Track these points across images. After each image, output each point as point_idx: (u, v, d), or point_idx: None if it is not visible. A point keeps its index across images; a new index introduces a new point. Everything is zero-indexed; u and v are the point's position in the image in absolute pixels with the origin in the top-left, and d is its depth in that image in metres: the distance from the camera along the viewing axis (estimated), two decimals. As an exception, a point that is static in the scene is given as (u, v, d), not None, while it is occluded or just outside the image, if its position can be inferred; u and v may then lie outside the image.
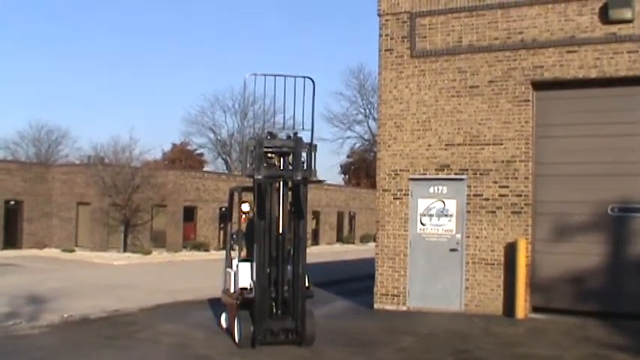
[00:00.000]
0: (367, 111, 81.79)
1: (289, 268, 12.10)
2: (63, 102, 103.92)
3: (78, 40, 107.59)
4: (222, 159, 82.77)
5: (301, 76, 12.17)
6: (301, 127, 12.14)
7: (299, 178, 11.94)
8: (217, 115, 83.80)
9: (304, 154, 12.06)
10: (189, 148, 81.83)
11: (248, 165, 12.14)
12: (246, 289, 12.15)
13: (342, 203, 61.15)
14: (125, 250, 40.28)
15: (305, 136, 12.16)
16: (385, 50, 16.99)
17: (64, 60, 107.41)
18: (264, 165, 11.93)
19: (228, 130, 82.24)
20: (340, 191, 62.08)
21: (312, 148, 12.13)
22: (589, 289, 15.07)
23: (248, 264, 12.42)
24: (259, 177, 11.78)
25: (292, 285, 12.01)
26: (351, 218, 63.41)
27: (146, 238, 42.83)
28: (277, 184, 12.13)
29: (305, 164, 12.07)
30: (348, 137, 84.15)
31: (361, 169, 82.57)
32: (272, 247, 11.99)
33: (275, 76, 11.92)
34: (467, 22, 16.19)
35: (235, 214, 14.33)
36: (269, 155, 12.05)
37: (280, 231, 12.09)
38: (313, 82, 12.19)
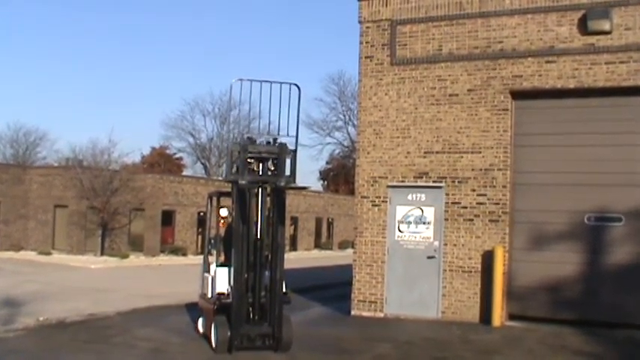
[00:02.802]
0: (347, 117, 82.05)
1: (267, 273, 12.08)
2: (41, 104, 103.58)
3: (57, 42, 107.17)
4: (202, 163, 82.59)
5: (287, 82, 12.21)
6: (286, 133, 12.16)
7: (282, 184, 11.94)
8: (197, 119, 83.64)
9: (287, 160, 12.05)
10: (168, 152, 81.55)
11: (231, 170, 12.12)
12: (223, 294, 12.14)
13: (320, 209, 61.12)
14: (102, 254, 40.08)
15: (286, 142, 12.19)
16: (365, 57, 17.02)
17: (43, 61, 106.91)
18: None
19: (207, 135, 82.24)
20: (319, 197, 62.06)
21: (295, 154, 12.14)
22: (565, 298, 15.16)
23: (226, 269, 12.40)
24: (243, 182, 11.75)
25: (269, 290, 11.99)
26: (330, 224, 63.40)
27: (124, 241, 42.64)
28: (256, 190, 12.11)
29: (288, 170, 12.07)
30: (328, 143, 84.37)
31: (340, 176, 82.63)
32: (250, 252, 11.96)
33: (261, 82, 11.93)
34: (447, 30, 16.26)
35: (214, 219, 14.32)
36: (248, 160, 12.02)
37: (258, 236, 12.07)
38: (299, 88, 12.23)
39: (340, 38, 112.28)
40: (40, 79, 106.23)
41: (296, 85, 12.22)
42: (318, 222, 61.27)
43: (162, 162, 76.71)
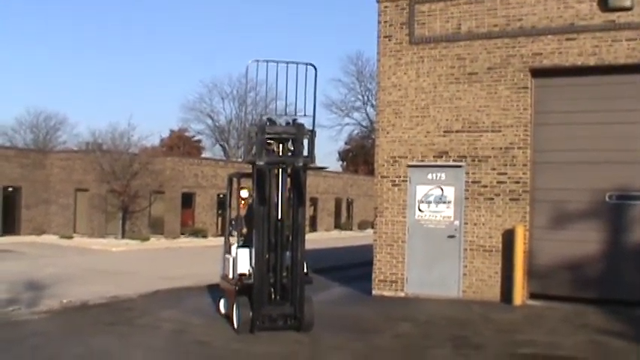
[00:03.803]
0: (365, 98, 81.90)
1: (288, 254, 12.13)
2: (61, 89, 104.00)
3: (76, 27, 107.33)
4: (220, 145, 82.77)
5: (303, 63, 12.19)
6: (303, 114, 12.15)
7: (301, 164, 11.96)
8: (215, 101, 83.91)
9: (305, 141, 12.07)
10: (187, 134, 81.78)
11: (250, 151, 12.15)
12: (245, 275, 12.18)
13: (339, 190, 61.12)
14: (123, 237, 40.28)
15: (305, 123, 12.20)
16: (384, 37, 16.97)
17: (62, 47, 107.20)
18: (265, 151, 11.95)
19: (226, 117, 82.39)
20: (338, 178, 62.03)
21: (313, 134, 12.15)
22: (586, 277, 15.11)
23: (247, 250, 12.45)
24: (261, 163, 11.77)
25: (291, 271, 12.04)
26: (349, 205, 63.40)
27: (144, 224, 42.82)
28: (276, 171, 12.13)
29: (306, 151, 12.09)
30: (346, 124, 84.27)
31: (359, 156, 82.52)
32: (271, 233, 12.00)
33: (277, 62, 11.91)
34: (466, 8, 16.17)
35: (234, 201, 14.36)
36: (268, 141, 12.05)
37: (279, 217, 12.11)
38: (315, 68, 12.21)
39: (358, 18, 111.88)
40: (59, 63, 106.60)
41: (312, 65, 12.20)
42: (338, 202, 61.29)
43: (181, 145, 76.86)
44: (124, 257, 29.61)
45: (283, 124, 12.20)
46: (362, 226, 60.60)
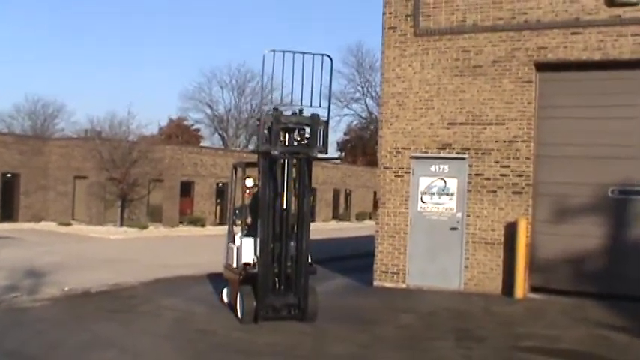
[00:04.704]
0: (365, 89, 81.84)
1: (292, 244, 12.13)
2: (59, 76, 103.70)
3: (74, 13, 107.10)
4: (219, 135, 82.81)
5: (319, 54, 12.22)
6: (309, 104, 12.17)
7: (316, 154, 12.00)
8: (214, 90, 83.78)
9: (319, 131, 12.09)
10: (185, 123, 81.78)
11: (263, 140, 12.10)
12: (249, 264, 12.21)
13: (338, 181, 61.18)
14: (122, 225, 40.33)
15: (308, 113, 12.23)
16: (389, 28, 16.95)
17: (59, 33, 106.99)
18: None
19: (225, 106, 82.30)
20: (337, 169, 62.03)
21: (327, 125, 12.19)
22: (588, 271, 15.15)
23: (251, 239, 12.47)
24: (276, 152, 11.78)
25: (295, 261, 12.06)
26: (347, 196, 63.47)
27: (143, 212, 42.88)
28: (281, 161, 12.14)
29: (319, 141, 12.11)
30: (346, 115, 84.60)
31: (358, 147, 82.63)
32: (276, 222, 12.02)
33: (294, 53, 11.89)
34: (471, 1, 16.15)
35: (238, 190, 14.38)
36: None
37: (284, 207, 12.13)
38: (331, 59, 12.26)
39: (359, 9, 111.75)
40: (57, 51, 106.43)
41: (328, 56, 12.24)
42: (336, 193, 61.35)
43: (179, 133, 76.91)
44: (122, 245, 29.62)
45: (290, 113, 12.20)
46: (360, 217, 60.73)
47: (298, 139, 12.11)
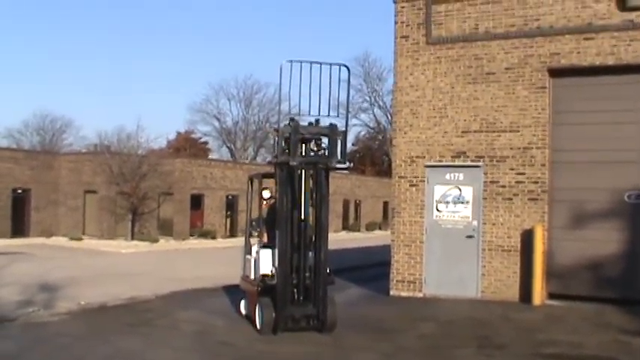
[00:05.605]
0: (372, 99, 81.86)
1: (311, 254, 12.09)
2: (67, 91, 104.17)
3: (81, 28, 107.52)
4: (227, 147, 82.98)
5: (337, 64, 12.18)
6: (327, 114, 12.18)
7: (335, 164, 11.99)
8: (222, 103, 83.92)
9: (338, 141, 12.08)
10: (193, 136, 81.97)
11: (282, 151, 12.06)
12: (267, 275, 12.16)
13: (347, 191, 61.09)
14: (132, 239, 40.41)
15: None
16: (401, 37, 16.95)
17: (67, 50, 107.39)
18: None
19: (232, 118, 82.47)
20: (346, 179, 61.92)
21: (345, 135, 12.17)
22: (606, 277, 15.05)
23: (269, 250, 12.45)
24: (294, 163, 11.76)
25: (314, 271, 12.01)
26: (357, 206, 63.37)
27: (153, 226, 42.93)
28: (299, 171, 12.11)
29: (337, 152, 12.08)
30: (354, 125, 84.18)
31: (366, 157, 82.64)
32: (294, 233, 11.99)
33: (311, 63, 11.87)
34: (483, 8, 16.14)
35: (255, 201, 14.36)
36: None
37: (302, 217, 12.10)
38: (348, 69, 12.25)
39: (365, 19, 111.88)
40: (65, 66, 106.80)
41: (345, 65, 12.22)
42: (346, 204, 61.29)
43: (187, 146, 77.13)
44: (134, 259, 29.67)
45: (306, 124, 12.18)
46: (370, 227, 60.59)
47: (315, 149, 12.09)
